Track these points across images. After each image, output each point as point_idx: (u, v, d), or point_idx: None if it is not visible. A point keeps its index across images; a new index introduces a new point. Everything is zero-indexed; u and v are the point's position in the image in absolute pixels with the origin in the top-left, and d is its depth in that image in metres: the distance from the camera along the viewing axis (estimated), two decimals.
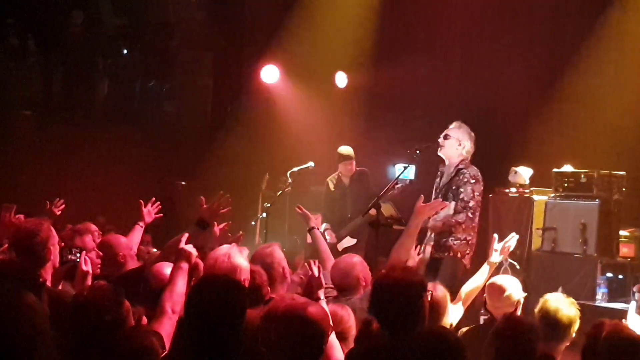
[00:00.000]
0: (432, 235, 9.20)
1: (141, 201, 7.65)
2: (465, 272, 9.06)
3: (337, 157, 11.64)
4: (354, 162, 11.57)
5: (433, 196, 9.42)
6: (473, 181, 9.09)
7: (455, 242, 9.04)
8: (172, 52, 15.19)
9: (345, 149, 11.61)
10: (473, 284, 6.84)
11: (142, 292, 5.51)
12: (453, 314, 6.31)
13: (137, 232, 7.57)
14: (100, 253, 6.58)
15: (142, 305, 5.12)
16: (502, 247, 6.96)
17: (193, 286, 4.57)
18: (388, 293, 4.54)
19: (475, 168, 9.22)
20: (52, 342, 3.70)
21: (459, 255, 9.03)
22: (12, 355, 3.45)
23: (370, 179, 11.56)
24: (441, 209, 7.37)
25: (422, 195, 6.83)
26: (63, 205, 8.02)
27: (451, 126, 9.41)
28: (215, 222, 6.84)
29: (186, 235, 5.55)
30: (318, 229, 7.92)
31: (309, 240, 11.98)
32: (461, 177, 9.13)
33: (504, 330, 4.90)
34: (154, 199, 7.79)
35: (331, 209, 11.56)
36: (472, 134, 9.35)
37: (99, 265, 6.42)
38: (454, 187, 9.14)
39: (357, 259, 6.63)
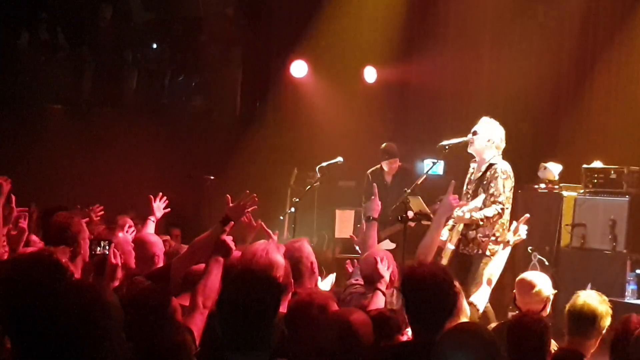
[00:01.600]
0: (457, 226, 9.15)
1: (151, 196, 7.65)
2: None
3: (380, 153, 11.62)
4: (398, 160, 11.58)
5: (464, 191, 9.41)
6: (504, 176, 9.03)
7: (483, 239, 8.98)
8: (201, 47, 15.21)
9: (390, 147, 11.59)
10: (495, 266, 6.70)
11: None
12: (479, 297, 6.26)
13: (150, 227, 7.57)
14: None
15: None
16: (516, 228, 6.82)
17: (229, 279, 4.57)
18: (417, 288, 4.53)
19: (507, 163, 9.17)
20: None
21: (488, 253, 8.97)
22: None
23: (414, 176, 11.51)
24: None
25: (453, 182, 6.83)
26: (102, 212, 8.05)
27: (481, 121, 9.38)
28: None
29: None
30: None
31: (338, 234, 12.05)
32: (492, 172, 9.09)
33: (515, 327, 4.89)
34: (161, 194, 7.79)
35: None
36: (502, 129, 9.30)
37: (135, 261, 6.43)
38: (484, 182, 9.09)
39: (385, 254, 6.65)
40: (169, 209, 7.86)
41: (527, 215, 6.93)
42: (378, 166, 11.82)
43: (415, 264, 4.75)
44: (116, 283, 5.83)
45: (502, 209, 8.97)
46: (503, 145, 9.23)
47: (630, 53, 12.35)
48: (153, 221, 7.62)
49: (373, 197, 7.48)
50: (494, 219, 8.91)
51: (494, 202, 8.97)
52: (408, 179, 11.45)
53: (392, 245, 11.12)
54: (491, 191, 8.99)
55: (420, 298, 4.50)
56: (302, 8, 14.60)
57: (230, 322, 4.18)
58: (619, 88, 12.49)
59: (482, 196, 9.02)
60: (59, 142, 13.61)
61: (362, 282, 6.61)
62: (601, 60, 12.66)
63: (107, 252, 5.88)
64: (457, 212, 9.01)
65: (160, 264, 6.58)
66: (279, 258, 5.70)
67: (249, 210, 6.38)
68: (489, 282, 6.44)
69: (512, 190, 9.15)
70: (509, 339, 4.86)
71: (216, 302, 4.37)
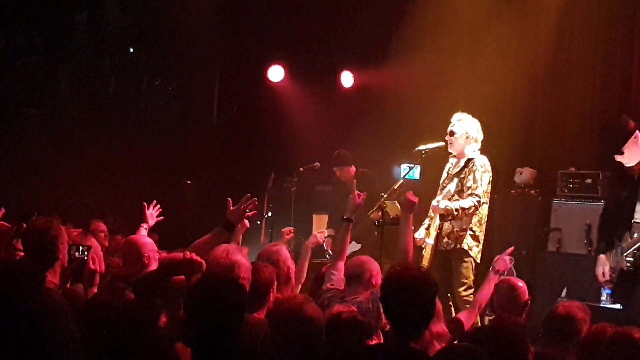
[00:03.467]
0: (433, 222, 9.21)
1: (144, 203, 7.65)
2: (476, 267, 9.09)
3: (332, 160, 11.58)
4: (351, 168, 11.50)
5: (440, 186, 9.46)
6: (482, 170, 9.10)
7: (460, 233, 9.02)
8: (178, 51, 15.19)
9: (341, 153, 11.53)
10: (485, 294, 6.77)
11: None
12: None
13: (142, 234, 7.56)
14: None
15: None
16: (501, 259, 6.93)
17: (191, 285, 4.58)
18: (400, 291, 4.55)
19: (485, 157, 9.24)
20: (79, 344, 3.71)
21: (465, 247, 9.03)
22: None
23: (375, 179, 11.51)
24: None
25: (410, 191, 6.95)
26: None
27: (453, 120, 9.43)
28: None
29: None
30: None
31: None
32: (471, 165, 9.17)
33: (494, 332, 4.92)
34: (155, 201, 7.80)
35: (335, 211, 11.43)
36: (476, 121, 9.38)
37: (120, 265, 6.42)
38: (462, 176, 9.17)
39: (371, 259, 6.68)
40: (162, 217, 7.85)
41: (512, 247, 7.04)
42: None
43: (397, 267, 4.76)
44: (94, 289, 5.83)
45: (479, 202, 9.02)
46: (481, 136, 9.31)
47: (605, 59, 12.42)
48: (145, 228, 7.60)
49: (350, 196, 7.39)
50: (470, 211, 8.95)
51: (470, 195, 9.03)
52: (366, 182, 11.48)
53: (358, 246, 11.17)
54: (468, 184, 9.07)
55: (402, 302, 4.52)
56: (279, 13, 14.61)
57: (195, 326, 4.19)
58: (594, 94, 12.56)
59: (454, 180, 9.08)
60: (35, 146, 13.58)
61: (338, 287, 6.61)
62: (576, 66, 12.73)
63: (86, 258, 5.87)
64: (433, 202, 9.09)
65: (153, 265, 6.56)
66: (241, 258, 5.69)
67: (249, 213, 6.41)
68: (480, 308, 6.64)
69: (490, 184, 9.21)
70: (489, 345, 4.88)
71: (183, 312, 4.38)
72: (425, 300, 4.55)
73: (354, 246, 11.21)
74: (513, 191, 11.73)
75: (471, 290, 8.86)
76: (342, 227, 7.23)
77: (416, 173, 12.19)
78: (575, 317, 5.50)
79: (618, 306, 9.05)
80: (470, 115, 9.39)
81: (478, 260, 9.12)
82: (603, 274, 7.92)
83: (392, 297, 4.59)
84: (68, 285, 6.02)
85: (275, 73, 14.60)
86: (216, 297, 4.22)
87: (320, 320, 4.61)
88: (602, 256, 7.97)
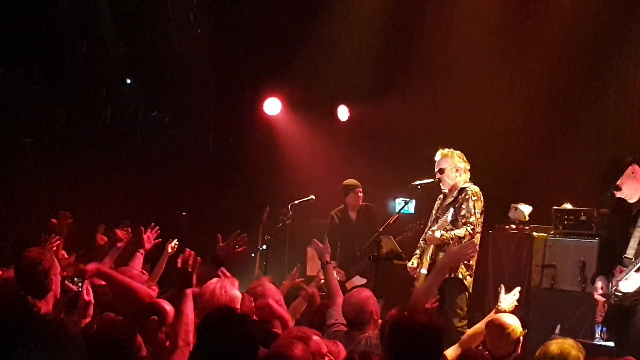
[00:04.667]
0: (426, 252, 9.26)
1: (142, 227, 7.65)
2: (469, 297, 9.11)
3: (343, 190, 11.65)
4: (362, 192, 11.60)
5: (433, 217, 9.52)
6: (475, 198, 9.22)
7: None
8: (175, 83, 15.23)
9: (352, 180, 11.65)
10: (477, 329, 6.72)
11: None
12: None
13: (138, 260, 7.54)
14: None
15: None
16: (510, 301, 6.89)
17: (202, 321, 4.57)
18: (407, 335, 4.52)
19: (477, 187, 9.33)
20: None
21: (460, 276, 9.08)
22: None
23: (377, 214, 11.56)
24: (472, 251, 7.16)
25: (455, 241, 6.93)
26: (59, 242, 8.00)
27: (437, 158, 9.53)
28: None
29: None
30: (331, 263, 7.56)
31: (309, 272, 12.03)
32: (463, 194, 9.26)
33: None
34: (153, 224, 7.79)
35: (335, 244, 11.44)
36: (457, 151, 9.48)
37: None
38: (456, 205, 9.25)
39: (368, 293, 6.67)
40: (160, 240, 7.84)
41: (519, 287, 6.97)
42: (341, 206, 11.84)
43: (406, 311, 4.73)
44: (87, 319, 5.81)
45: (473, 230, 9.11)
46: (468, 165, 9.41)
47: (602, 96, 12.49)
48: (141, 253, 7.58)
49: (322, 242, 7.53)
50: (464, 240, 8.99)
51: (464, 223, 9.11)
52: (371, 215, 11.53)
53: (363, 281, 11.15)
54: (462, 212, 9.16)
55: (411, 346, 4.49)
56: (277, 46, 14.67)
57: None
58: (590, 130, 12.61)
59: (450, 210, 9.14)
60: (30, 176, 13.55)
61: (342, 322, 6.61)
62: (572, 102, 12.79)
63: (80, 289, 5.86)
64: (428, 232, 9.13)
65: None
66: (236, 292, 5.73)
67: (239, 249, 6.39)
68: (463, 343, 6.50)
69: (483, 214, 9.27)
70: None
71: (193, 351, 4.36)
72: (432, 345, 4.53)
73: (359, 280, 11.19)
74: (507, 227, 11.73)
75: (465, 322, 8.90)
76: (325, 272, 7.36)
77: (411, 207, 12.21)
78: (568, 354, 5.49)
79: (611, 343, 9.05)
80: (452, 149, 9.50)
81: (470, 290, 9.17)
82: (601, 288, 8.01)
83: (399, 343, 4.57)
84: (62, 316, 6.01)
85: (272, 105, 14.64)
86: (232, 332, 4.22)
87: None
88: (597, 283, 8.08)
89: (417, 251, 9.60)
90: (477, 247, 9.14)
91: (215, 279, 5.87)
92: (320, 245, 7.52)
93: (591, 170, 12.12)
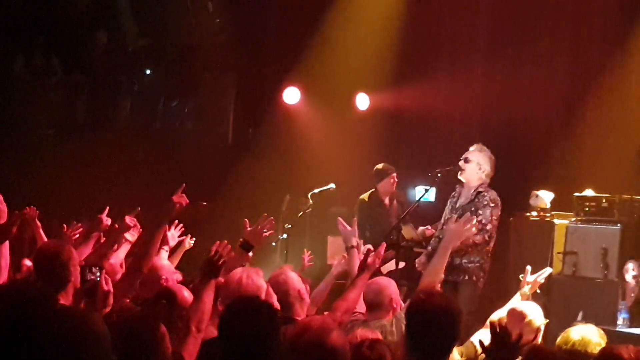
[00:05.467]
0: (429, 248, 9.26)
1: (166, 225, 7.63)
2: (480, 297, 9.11)
3: (377, 174, 11.49)
4: (391, 178, 11.46)
5: (447, 216, 9.47)
6: (492, 205, 9.15)
7: (469, 265, 9.06)
8: (194, 73, 15.24)
9: (386, 165, 11.49)
10: (502, 313, 6.67)
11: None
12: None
13: (163, 257, 7.53)
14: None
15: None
16: (534, 281, 6.87)
17: (227, 309, 4.56)
18: (424, 317, 4.52)
19: (495, 192, 9.26)
20: None
21: (474, 278, 9.07)
22: None
23: (405, 199, 11.54)
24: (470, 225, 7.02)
25: (454, 216, 6.87)
26: (80, 229, 8.02)
27: (471, 149, 9.46)
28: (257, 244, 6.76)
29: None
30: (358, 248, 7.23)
31: (329, 260, 12.02)
32: (481, 199, 9.20)
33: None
34: (177, 221, 7.78)
35: (365, 229, 11.07)
36: (492, 157, 9.40)
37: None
38: (472, 209, 9.18)
39: (389, 281, 6.67)
40: (184, 237, 7.83)
41: (529, 267, 6.90)
42: (371, 190, 11.74)
43: (423, 293, 4.73)
44: (107, 309, 5.82)
45: (490, 237, 9.08)
46: (492, 173, 9.33)
47: (622, 80, 12.40)
48: (166, 250, 7.58)
49: (350, 226, 7.26)
50: (481, 246, 8.98)
51: (481, 230, 9.04)
52: (405, 201, 11.49)
53: (393, 266, 11.03)
54: (479, 218, 9.06)
55: (428, 328, 4.49)
56: (295, 35, 14.64)
57: (233, 351, 4.19)
58: (611, 115, 12.53)
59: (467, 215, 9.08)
60: (52, 167, 13.61)
61: (360, 311, 6.61)
62: (593, 87, 12.71)
63: (99, 279, 5.86)
64: (443, 229, 9.09)
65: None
66: (262, 282, 5.74)
67: (266, 233, 6.38)
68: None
69: (498, 220, 9.25)
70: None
71: (218, 335, 4.37)
72: (450, 326, 4.52)
73: (392, 265, 11.05)
74: (528, 214, 11.68)
75: None
76: (349, 255, 7.11)
77: (431, 195, 12.16)
78: (590, 341, 5.47)
79: (634, 330, 9.02)
80: (489, 151, 9.41)
81: (479, 291, 9.20)
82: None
83: (416, 324, 4.56)
84: (82, 307, 6.02)
85: (291, 94, 14.61)
86: (255, 321, 4.22)
87: (345, 350, 4.56)
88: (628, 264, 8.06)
89: (429, 247, 9.57)
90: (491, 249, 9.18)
91: (240, 268, 5.89)
92: (347, 227, 7.21)
93: (613, 155, 12.06)
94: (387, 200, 11.61)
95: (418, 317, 4.56)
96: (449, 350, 4.56)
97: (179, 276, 6.89)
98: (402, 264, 10.87)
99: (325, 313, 6.15)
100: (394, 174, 11.50)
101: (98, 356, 3.53)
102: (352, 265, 7.08)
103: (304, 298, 6.31)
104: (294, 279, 6.28)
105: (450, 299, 4.75)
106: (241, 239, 6.37)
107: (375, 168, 11.61)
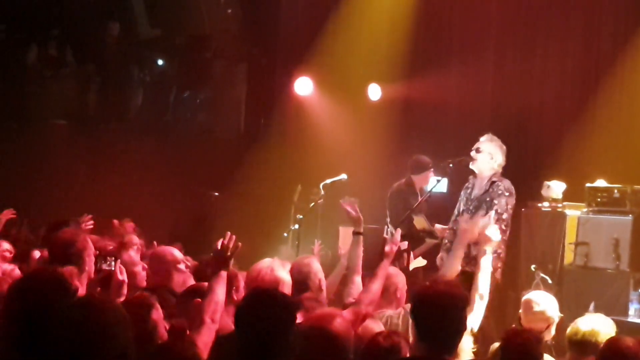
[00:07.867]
0: (446, 242, 9.23)
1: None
2: (497, 287, 9.07)
3: (416, 165, 11.04)
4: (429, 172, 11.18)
5: (462, 208, 9.45)
6: (507, 194, 9.11)
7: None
8: (206, 64, 15.27)
9: (426, 158, 11.06)
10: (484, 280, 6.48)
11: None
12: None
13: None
14: (145, 266, 6.59)
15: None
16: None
17: (243, 300, 4.59)
18: (430, 305, 4.52)
19: (509, 181, 9.24)
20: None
21: (491, 269, 9.03)
22: None
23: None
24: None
25: (465, 215, 6.85)
26: (92, 222, 8.05)
27: (482, 139, 9.43)
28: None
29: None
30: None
31: (341, 251, 12.01)
32: (495, 189, 9.16)
33: (509, 342, 4.85)
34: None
35: (399, 218, 10.60)
36: (504, 147, 9.38)
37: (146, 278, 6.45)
38: (487, 199, 9.16)
39: (397, 271, 6.65)
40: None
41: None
42: (404, 180, 11.45)
43: (428, 282, 4.74)
44: (121, 299, 5.86)
45: (506, 226, 9.05)
46: (504, 162, 9.31)
47: (634, 70, 12.37)
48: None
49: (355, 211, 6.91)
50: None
51: (497, 220, 9.01)
52: (427, 197, 11.35)
53: (424, 262, 10.85)
54: (495, 208, 9.03)
55: (434, 315, 4.48)
56: (307, 26, 14.65)
57: (248, 342, 4.22)
58: (623, 106, 12.50)
59: (491, 213, 9.02)
60: (64, 157, 13.66)
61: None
62: (605, 77, 12.67)
63: (113, 268, 5.91)
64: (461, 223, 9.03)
65: (177, 276, 6.48)
66: (285, 275, 5.76)
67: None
68: (481, 297, 6.31)
69: (513, 208, 9.23)
70: (503, 355, 4.86)
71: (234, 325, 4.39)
72: (455, 313, 4.52)
73: (420, 262, 10.82)
74: (540, 205, 11.67)
75: None
76: (352, 242, 6.78)
77: (443, 186, 12.13)
78: (599, 331, 5.48)
79: None
80: (500, 141, 9.38)
81: (499, 281, 9.14)
82: None
83: (421, 313, 4.56)
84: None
85: (303, 85, 14.61)
86: (270, 313, 4.25)
87: (349, 336, 4.59)
88: None
89: (445, 241, 9.54)
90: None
91: (268, 260, 5.94)
92: (355, 213, 6.85)
93: (625, 146, 12.05)
94: (419, 190, 11.42)
95: (423, 305, 4.56)
96: (457, 339, 4.54)
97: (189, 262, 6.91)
98: (424, 262, 10.73)
99: (350, 308, 6.06)
100: (432, 169, 11.19)
101: (119, 344, 3.56)
102: (356, 253, 6.71)
103: (322, 289, 6.32)
104: (317, 268, 6.29)
105: (456, 286, 4.75)
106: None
107: (415, 159, 11.16)
